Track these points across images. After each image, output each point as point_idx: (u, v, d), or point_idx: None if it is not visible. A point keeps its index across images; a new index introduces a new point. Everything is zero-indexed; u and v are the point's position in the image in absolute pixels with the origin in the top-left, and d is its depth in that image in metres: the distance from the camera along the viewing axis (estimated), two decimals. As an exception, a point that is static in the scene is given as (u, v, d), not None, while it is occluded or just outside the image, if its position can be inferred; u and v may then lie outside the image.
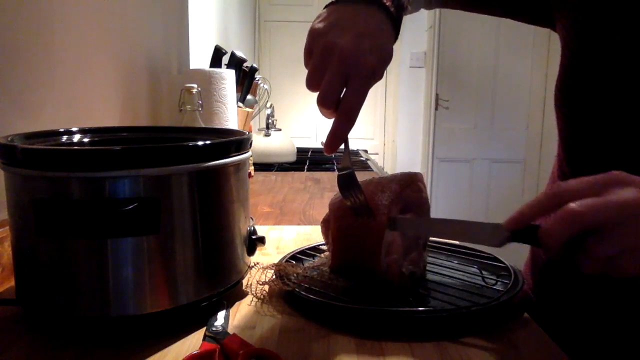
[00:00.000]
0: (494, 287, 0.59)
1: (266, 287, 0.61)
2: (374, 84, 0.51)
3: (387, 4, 0.54)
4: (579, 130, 0.62)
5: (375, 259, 0.56)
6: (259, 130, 2.04)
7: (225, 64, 1.47)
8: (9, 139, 0.52)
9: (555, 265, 0.66)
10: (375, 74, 0.51)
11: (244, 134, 0.60)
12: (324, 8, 0.56)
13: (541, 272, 0.70)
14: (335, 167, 1.93)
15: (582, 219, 0.39)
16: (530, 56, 3.56)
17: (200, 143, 0.51)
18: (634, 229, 0.39)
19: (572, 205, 0.40)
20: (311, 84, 0.51)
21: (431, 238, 0.70)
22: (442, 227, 0.57)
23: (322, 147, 0.55)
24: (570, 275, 0.64)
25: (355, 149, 2.62)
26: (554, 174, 0.69)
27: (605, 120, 0.58)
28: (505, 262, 0.65)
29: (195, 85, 0.97)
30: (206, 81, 1.20)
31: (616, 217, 0.39)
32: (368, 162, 2.11)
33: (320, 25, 0.53)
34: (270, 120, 2.03)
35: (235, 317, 0.54)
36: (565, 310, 0.66)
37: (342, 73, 0.49)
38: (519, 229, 0.45)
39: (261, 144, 1.93)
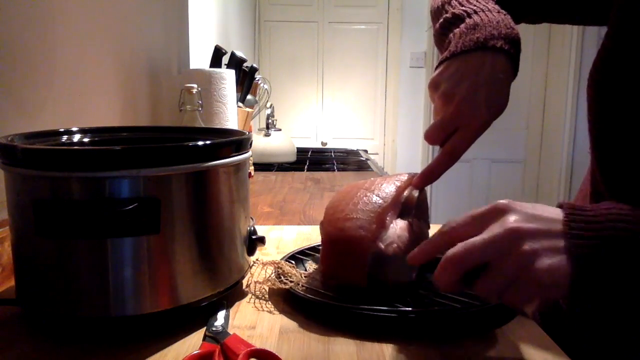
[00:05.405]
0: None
1: (266, 287, 0.61)
2: (482, 133, 0.53)
3: (498, 45, 0.54)
4: (611, 126, 0.56)
5: (358, 270, 0.55)
6: (259, 130, 2.04)
7: (225, 64, 1.47)
8: (9, 139, 0.52)
9: None
10: (486, 127, 0.53)
11: (244, 134, 0.60)
12: (439, 63, 0.57)
13: None
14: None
15: (459, 263, 0.41)
16: (530, 56, 3.56)
17: (200, 143, 0.52)
18: (508, 263, 0.39)
19: (449, 252, 0.42)
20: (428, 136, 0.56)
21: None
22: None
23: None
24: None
25: (355, 149, 2.63)
26: (586, 181, 0.65)
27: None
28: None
29: (195, 85, 0.97)
30: (206, 81, 1.20)
31: (489, 255, 0.40)
32: (368, 162, 2.11)
33: (440, 76, 0.55)
34: (270, 120, 2.03)
35: (235, 317, 0.54)
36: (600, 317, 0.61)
37: (455, 123, 0.53)
38: (420, 264, 0.48)
39: (261, 144, 1.93)
